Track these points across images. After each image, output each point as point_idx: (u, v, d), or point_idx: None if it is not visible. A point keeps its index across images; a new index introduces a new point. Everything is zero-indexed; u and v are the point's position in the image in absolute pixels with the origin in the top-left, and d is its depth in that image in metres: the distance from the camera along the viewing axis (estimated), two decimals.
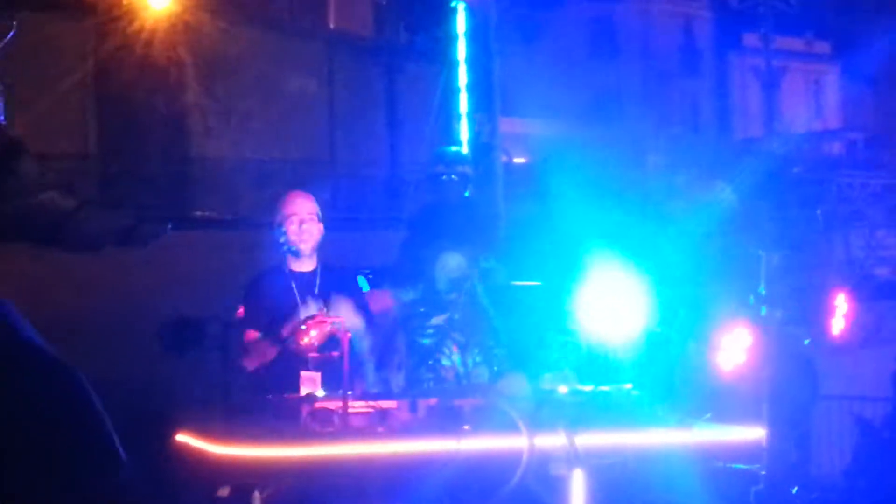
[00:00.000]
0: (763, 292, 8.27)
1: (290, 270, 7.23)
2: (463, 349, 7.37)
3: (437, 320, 7.41)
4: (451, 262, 7.53)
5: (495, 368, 7.34)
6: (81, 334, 9.92)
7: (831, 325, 8.54)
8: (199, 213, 13.11)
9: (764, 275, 8.30)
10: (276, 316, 7.05)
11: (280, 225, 7.20)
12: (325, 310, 6.71)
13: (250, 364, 7.09)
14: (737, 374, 7.84)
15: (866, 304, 8.77)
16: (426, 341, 7.36)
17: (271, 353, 6.99)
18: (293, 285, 7.16)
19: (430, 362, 7.31)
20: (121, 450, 2.61)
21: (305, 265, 7.24)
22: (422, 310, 7.45)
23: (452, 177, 8.66)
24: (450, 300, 7.45)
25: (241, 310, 7.32)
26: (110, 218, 11.33)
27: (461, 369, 7.33)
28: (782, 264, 8.53)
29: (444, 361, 7.34)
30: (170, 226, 10.90)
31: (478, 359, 7.36)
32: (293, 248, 7.20)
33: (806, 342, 8.39)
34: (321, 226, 7.27)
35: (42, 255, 10.05)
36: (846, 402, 9.43)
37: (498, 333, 7.55)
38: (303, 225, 7.17)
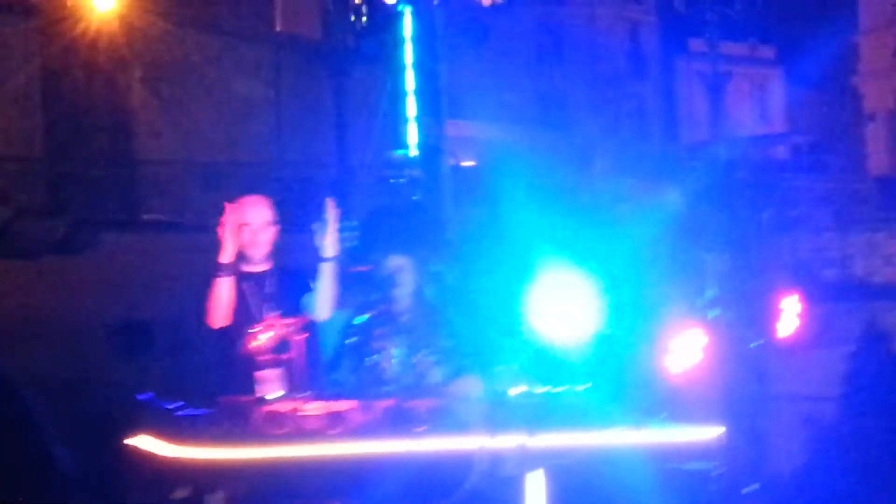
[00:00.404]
0: (711, 294, 8.32)
1: (241, 272, 7.18)
2: (409, 349, 7.35)
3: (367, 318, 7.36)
4: (393, 263, 7.51)
5: (448, 368, 7.32)
6: (31, 338, 9.85)
7: (778, 327, 8.59)
8: (146, 216, 13.04)
9: (711, 277, 8.35)
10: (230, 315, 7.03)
11: (232, 232, 7.13)
12: (276, 313, 6.67)
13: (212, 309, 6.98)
14: (687, 376, 7.87)
15: (814, 305, 8.82)
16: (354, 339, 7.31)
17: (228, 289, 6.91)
18: (244, 287, 7.12)
19: (367, 362, 7.28)
20: (63, 459, 2.53)
21: (257, 267, 7.19)
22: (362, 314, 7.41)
23: (400, 180, 8.66)
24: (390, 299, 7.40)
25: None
26: (46, 226, 11.27)
27: (399, 369, 7.31)
28: (729, 266, 8.58)
29: (383, 363, 7.31)
30: (109, 233, 10.83)
31: (430, 358, 7.34)
32: (245, 255, 7.15)
33: (752, 345, 8.44)
34: (275, 229, 7.22)
35: None
36: (795, 401, 9.50)
37: (452, 333, 7.53)
38: (256, 236, 7.11)
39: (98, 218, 12.51)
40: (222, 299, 6.92)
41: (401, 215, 8.38)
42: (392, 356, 7.31)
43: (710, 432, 6.91)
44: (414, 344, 7.36)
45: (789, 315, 8.69)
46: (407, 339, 7.35)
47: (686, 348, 8.00)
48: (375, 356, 7.31)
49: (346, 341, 7.36)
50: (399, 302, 7.45)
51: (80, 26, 12.63)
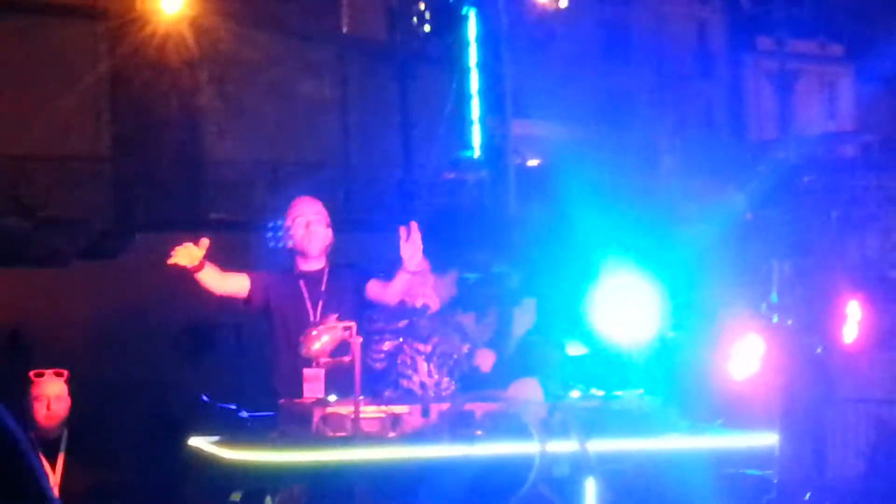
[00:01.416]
0: (775, 300, 8.27)
1: (299, 271, 7.29)
2: (429, 360, 7.38)
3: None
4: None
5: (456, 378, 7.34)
6: (96, 342, 9.98)
7: (844, 332, 8.52)
8: (212, 216, 13.14)
9: (776, 283, 8.31)
10: (285, 313, 7.11)
11: (288, 228, 7.28)
12: (335, 316, 6.72)
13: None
14: (748, 382, 7.83)
15: (881, 305, 8.74)
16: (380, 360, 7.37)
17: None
18: (301, 283, 7.22)
19: (392, 378, 7.33)
20: (50, 492, 2.67)
21: (313, 265, 7.29)
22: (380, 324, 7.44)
23: (467, 182, 8.69)
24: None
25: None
26: (71, 234, 11.43)
27: (427, 381, 7.34)
28: (795, 271, 8.52)
29: (408, 375, 7.35)
30: (137, 236, 10.94)
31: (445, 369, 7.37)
32: (299, 250, 7.26)
33: (818, 350, 8.38)
34: (329, 231, 7.31)
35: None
36: (862, 404, 9.40)
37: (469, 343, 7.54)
38: (309, 227, 7.23)
39: (165, 217, 12.64)
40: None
41: (466, 216, 8.38)
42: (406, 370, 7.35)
43: (763, 439, 6.90)
44: (430, 353, 7.38)
45: (854, 319, 8.62)
46: (422, 349, 7.39)
47: (748, 354, 7.96)
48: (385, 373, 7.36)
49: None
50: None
51: (148, 28, 12.74)
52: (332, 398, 6.42)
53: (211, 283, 7.09)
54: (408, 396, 7.01)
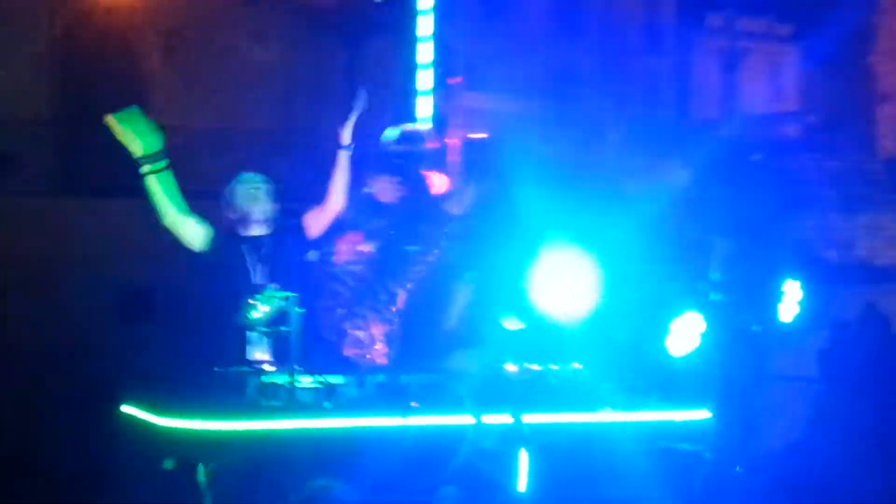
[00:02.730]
0: (714, 277, 8.33)
1: (240, 236, 7.28)
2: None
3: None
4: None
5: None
6: (34, 304, 9.90)
7: (780, 311, 8.60)
8: None
9: (716, 260, 8.37)
10: (228, 277, 7.10)
11: (230, 199, 7.26)
12: (277, 286, 6.72)
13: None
14: (684, 358, 7.90)
15: (815, 286, 8.83)
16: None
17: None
18: (243, 248, 7.21)
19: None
20: None
21: (255, 230, 7.27)
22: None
23: (413, 154, 8.68)
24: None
25: None
26: None
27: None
28: (735, 249, 8.58)
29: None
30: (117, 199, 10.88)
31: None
32: (241, 216, 7.26)
33: (754, 328, 8.45)
34: (275, 204, 7.32)
35: None
36: (794, 382, 9.53)
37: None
38: (251, 193, 7.23)
39: (110, 183, 12.55)
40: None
41: (411, 188, 8.37)
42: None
43: (697, 414, 6.97)
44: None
45: (791, 299, 8.70)
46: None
47: (687, 330, 8.02)
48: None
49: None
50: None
51: None
52: (268, 367, 6.42)
53: (159, 203, 7.08)
54: (345, 366, 7.01)
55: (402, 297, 7.62)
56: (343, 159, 7.31)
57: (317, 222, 7.30)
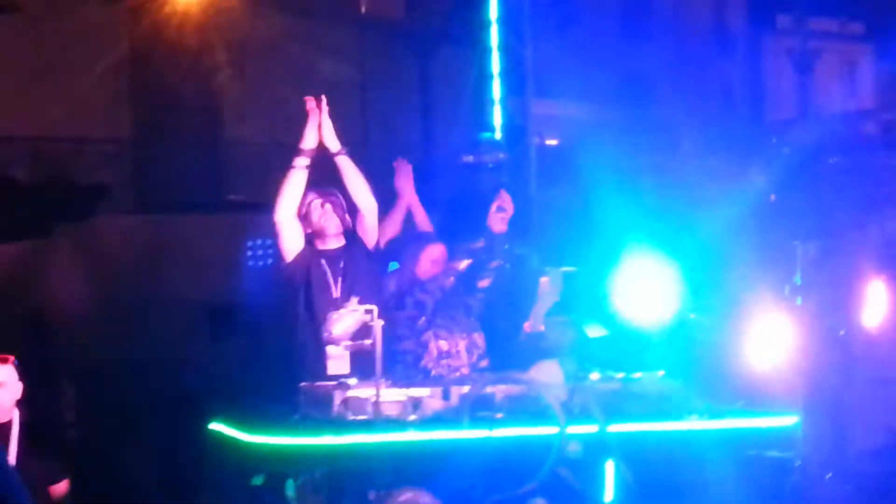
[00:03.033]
0: (798, 282, 8.23)
1: (318, 250, 7.32)
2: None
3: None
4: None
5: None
6: (112, 319, 9.96)
7: (867, 314, 8.48)
8: (231, 197, 13.14)
9: (799, 265, 8.27)
10: (310, 291, 7.15)
11: (305, 212, 7.30)
12: (357, 299, 6.73)
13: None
14: (771, 364, 7.81)
15: None
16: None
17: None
18: (323, 262, 7.25)
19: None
20: None
21: (331, 244, 7.31)
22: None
23: (487, 164, 8.68)
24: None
25: None
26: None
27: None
28: (818, 253, 8.48)
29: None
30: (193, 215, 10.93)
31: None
32: (317, 231, 7.29)
33: (841, 332, 8.34)
34: (346, 216, 7.35)
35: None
36: (883, 385, 9.36)
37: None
38: (324, 207, 7.27)
39: (185, 198, 12.66)
40: (293, 189, 7.17)
41: (486, 199, 8.35)
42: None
43: (785, 420, 6.88)
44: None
45: (877, 301, 8.59)
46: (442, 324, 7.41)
47: (770, 336, 7.93)
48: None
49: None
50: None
51: (167, 9, 12.73)
52: (353, 381, 6.42)
53: (289, 197, 7.21)
54: (429, 379, 7.01)
55: (481, 308, 7.62)
56: (341, 163, 7.31)
57: (365, 232, 7.33)
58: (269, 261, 9.36)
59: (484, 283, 7.75)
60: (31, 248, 10.81)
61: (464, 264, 7.62)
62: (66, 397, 9.34)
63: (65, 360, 9.97)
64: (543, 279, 7.82)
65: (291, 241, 7.25)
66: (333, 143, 7.32)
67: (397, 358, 7.30)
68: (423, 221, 8.10)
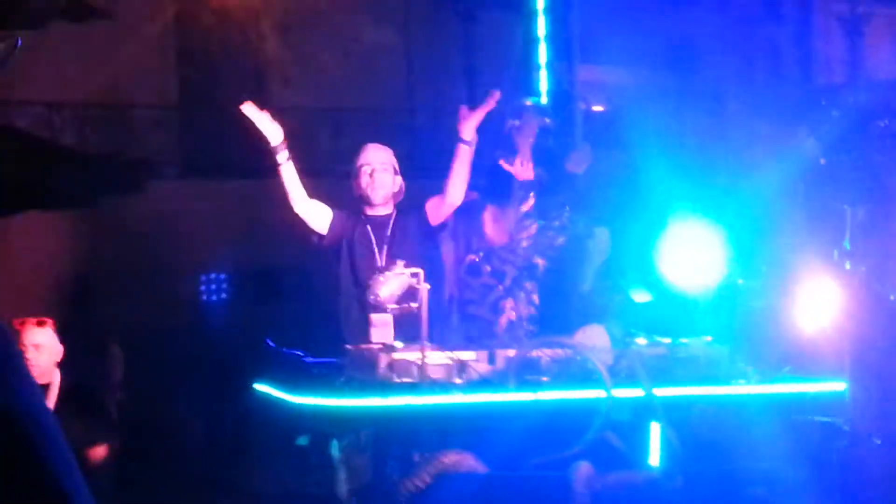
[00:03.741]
0: (847, 247, 8.16)
1: (365, 216, 7.29)
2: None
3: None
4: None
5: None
6: (154, 284, 10.02)
7: None
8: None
9: (849, 229, 8.19)
10: (353, 257, 7.12)
11: (354, 176, 7.29)
12: (402, 262, 6.72)
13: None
14: (819, 330, 7.75)
15: None
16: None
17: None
18: (368, 228, 7.23)
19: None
20: (73, 489, 2.06)
21: (379, 210, 7.29)
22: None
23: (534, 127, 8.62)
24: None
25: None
26: None
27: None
28: (867, 217, 8.39)
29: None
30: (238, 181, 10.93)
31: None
32: (364, 197, 7.26)
33: (891, 297, 8.26)
34: (397, 178, 7.32)
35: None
36: None
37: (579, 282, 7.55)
38: (374, 175, 7.23)
39: (232, 164, 12.69)
40: (290, 184, 7.11)
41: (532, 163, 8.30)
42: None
43: (833, 386, 6.83)
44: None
45: None
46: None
47: (819, 301, 7.87)
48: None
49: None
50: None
51: None
52: (399, 344, 6.42)
53: (293, 190, 7.14)
54: (474, 342, 7.00)
55: (538, 271, 7.61)
56: (463, 153, 7.16)
57: (437, 213, 7.27)
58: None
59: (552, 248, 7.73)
60: (78, 214, 10.88)
61: (534, 228, 7.58)
62: (108, 362, 9.40)
63: (109, 324, 10.04)
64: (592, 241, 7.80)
65: (319, 219, 7.21)
66: (470, 132, 7.14)
67: (466, 322, 7.32)
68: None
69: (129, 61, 12.28)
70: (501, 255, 7.51)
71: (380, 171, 7.27)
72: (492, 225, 7.64)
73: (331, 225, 7.22)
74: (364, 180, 7.27)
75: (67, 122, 12.32)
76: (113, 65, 12.16)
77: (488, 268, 7.47)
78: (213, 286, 10.60)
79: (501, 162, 7.73)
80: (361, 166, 7.29)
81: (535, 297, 7.36)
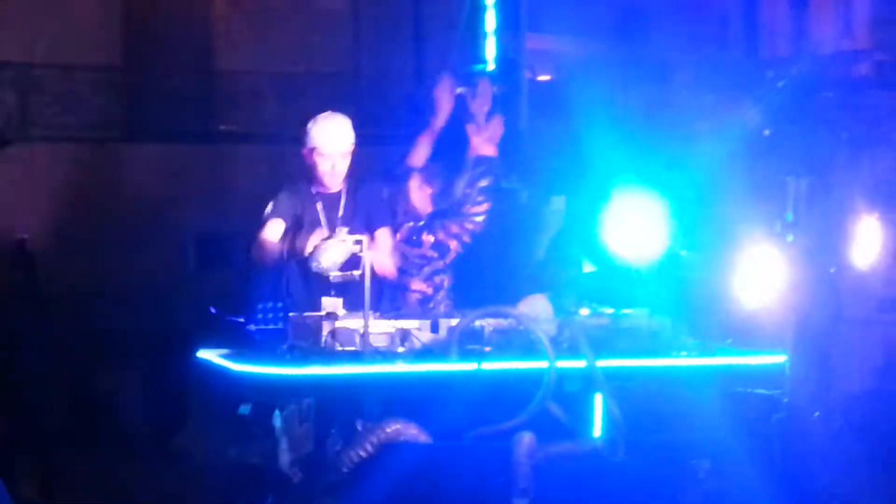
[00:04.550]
0: (790, 219, 8.21)
1: (317, 191, 7.18)
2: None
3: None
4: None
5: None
6: (99, 249, 9.92)
7: (857, 252, 8.47)
8: (223, 127, 13.08)
9: (791, 201, 8.23)
10: (302, 233, 7.03)
11: (311, 155, 7.12)
12: (346, 230, 6.70)
13: (256, 253, 7.02)
14: (760, 301, 7.80)
15: (892, 226, 8.67)
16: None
17: (280, 255, 6.91)
18: (318, 207, 7.13)
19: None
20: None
21: (330, 186, 7.18)
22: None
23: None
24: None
25: (269, 206, 7.18)
26: None
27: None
28: (810, 189, 8.44)
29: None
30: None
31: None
32: (318, 180, 7.13)
33: (832, 269, 8.33)
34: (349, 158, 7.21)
35: None
36: (871, 325, 9.35)
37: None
38: (334, 167, 7.09)
39: (178, 128, 12.60)
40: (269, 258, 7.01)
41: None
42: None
43: (773, 358, 6.89)
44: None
45: (868, 240, 8.57)
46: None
47: (761, 272, 7.93)
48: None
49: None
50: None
51: None
52: (341, 312, 6.40)
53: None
54: (417, 310, 7.00)
55: (464, 241, 7.61)
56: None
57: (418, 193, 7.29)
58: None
59: (478, 215, 7.73)
60: (21, 177, 10.76)
61: (486, 206, 7.58)
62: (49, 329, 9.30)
63: (49, 290, 9.93)
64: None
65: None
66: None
67: (401, 293, 7.30)
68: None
69: (74, 22, 12.14)
70: (448, 228, 7.49)
71: (340, 160, 7.14)
72: (418, 194, 7.62)
73: (284, 228, 7.06)
74: (323, 167, 7.10)
75: (8, 80, 12.19)
76: (58, 25, 12.01)
77: (431, 238, 7.45)
78: (157, 252, 10.52)
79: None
80: (321, 152, 7.11)
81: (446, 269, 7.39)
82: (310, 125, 7.12)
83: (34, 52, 12.15)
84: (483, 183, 7.76)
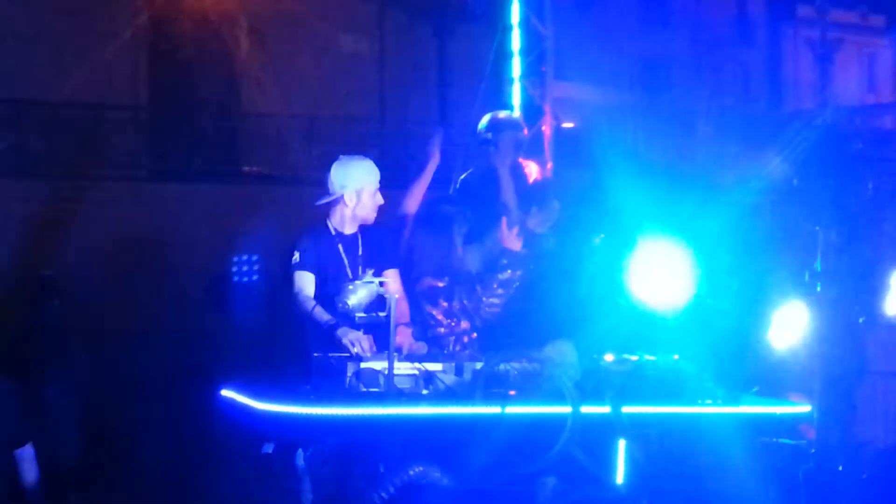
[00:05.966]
0: (819, 269, 8.17)
1: (337, 232, 7.12)
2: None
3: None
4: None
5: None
6: (129, 287, 9.94)
7: (886, 303, 8.43)
8: (246, 168, 13.13)
9: (820, 251, 8.20)
10: (324, 276, 6.98)
11: (356, 196, 7.04)
12: (371, 272, 6.67)
13: (298, 310, 6.94)
14: (788, 351, 7.76)
15: None
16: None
17: (319, 317, 6.84)
18: (339, 247, 7.08)
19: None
20: None
21: (349, 228, 7.12)
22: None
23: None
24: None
25: (296, 255, 7.11)
26: None
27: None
28: (839, 240, 8.41)
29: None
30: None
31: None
32: (362, 218, 7.07)
33: (860, 320, 8.28)
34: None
35: None
36: (893, 377, 9.29)
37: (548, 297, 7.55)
38: (375, 197, 7.06)
39: (203, 168, 12.64)
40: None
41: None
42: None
43: (799, 408, 6.84)
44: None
45: None
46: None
47: (790, 323, 7.88)
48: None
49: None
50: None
51: None
52: (366, 353, 6.37)
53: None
54: (443, 354, 6.96)
55: (497, 288, 7.58)
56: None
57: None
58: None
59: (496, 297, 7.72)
60: (47, 214, 10.79)
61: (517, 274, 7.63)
62: (74, 365, 9.29)
63: (75, 326, 9.93)
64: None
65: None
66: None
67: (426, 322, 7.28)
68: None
69: (102, 62, 12.23)
70: (466, 298, 7.48)
71: (378, 194, 7.14)
72: (506, 233, 7.68)
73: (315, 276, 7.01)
74: (373, 201, 7.05)
75: (37, 120, 12.25)
76: (86, 65, 12.10)
77: (446, 304, 7.44)
78: (179, 290, 10.52)
79: (522, 161, 7.86)
80: (370, 190, 7.00)
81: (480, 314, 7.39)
82: (350, 166, 7.06)
83: (61, 91, 12.22)
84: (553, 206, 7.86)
